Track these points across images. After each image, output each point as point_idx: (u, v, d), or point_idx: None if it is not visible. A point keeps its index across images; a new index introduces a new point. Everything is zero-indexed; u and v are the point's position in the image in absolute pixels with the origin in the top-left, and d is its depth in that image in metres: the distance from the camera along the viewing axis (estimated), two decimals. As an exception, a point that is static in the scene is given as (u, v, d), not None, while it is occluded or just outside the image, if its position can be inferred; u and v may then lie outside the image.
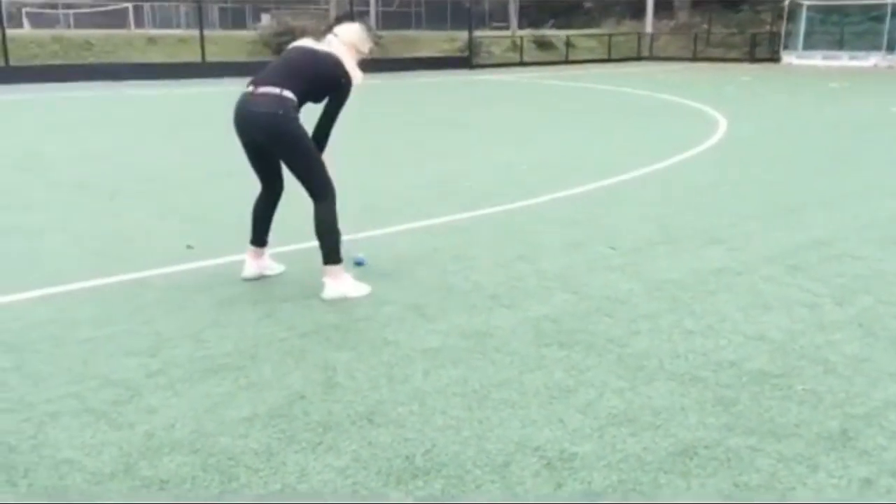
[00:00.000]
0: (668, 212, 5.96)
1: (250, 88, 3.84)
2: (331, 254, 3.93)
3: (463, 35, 28.24)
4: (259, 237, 4.24)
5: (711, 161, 8.45)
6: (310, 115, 3.93)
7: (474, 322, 3.66)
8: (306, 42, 4.05)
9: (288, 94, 3.77)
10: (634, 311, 3.82)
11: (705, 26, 33.65)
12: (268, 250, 4.33)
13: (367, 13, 32.75)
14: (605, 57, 31.44)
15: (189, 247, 4.89)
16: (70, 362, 3.17)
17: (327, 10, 31.39)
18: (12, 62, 18.93)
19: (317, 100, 3.94)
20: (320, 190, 3.92)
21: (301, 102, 3.86)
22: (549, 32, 33.51)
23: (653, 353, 3.29)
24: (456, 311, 3.80)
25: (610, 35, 33.12)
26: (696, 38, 32.48)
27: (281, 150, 3.88)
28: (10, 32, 19.91)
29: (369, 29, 4.20)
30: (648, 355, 3.28)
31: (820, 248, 4.94)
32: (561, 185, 6.83)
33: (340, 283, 3.94)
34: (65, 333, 3.48)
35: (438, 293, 4.07)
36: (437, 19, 36.62)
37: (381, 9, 36.70)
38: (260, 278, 4.27)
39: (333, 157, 4.07)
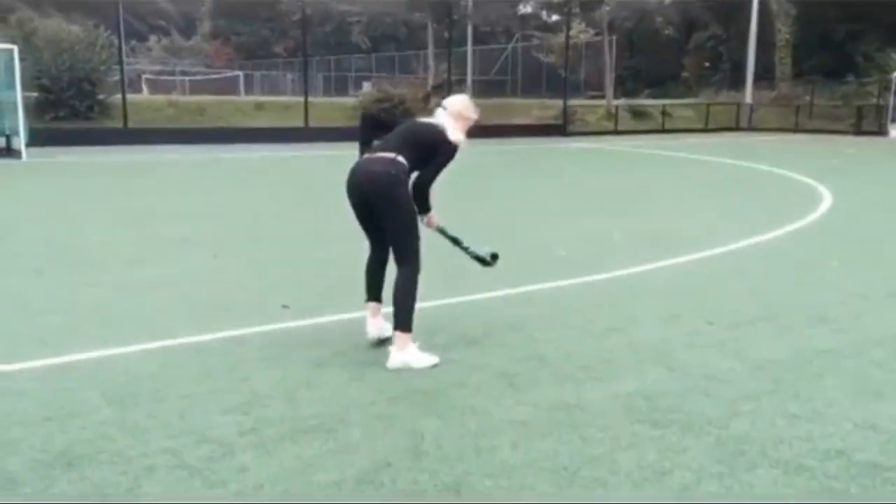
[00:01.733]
0: (771, 287, 5.75)
1: (365, 156, 4.13)
2: (405, 321, 3.96)
3: (557, 103, 28.45)
4: (374, 293, 4.30)
5: (816, 235, 8.14)
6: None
7: (565, 394, 3.59)
8: (419, 118, 4.43)
9: (401, 159, 4.01)
10: (734, 391, 3.66)
11: (808, 98, 32.87)
12: (382, 308, 4.31)
13: (463, 82, 33.52)
14: (703, 127, 31.04)
15: (285, 306, 5.01)
16: (169, 417, 3.27)
17: (425, 78, 32.32)
18: (130, 125, 20.17)
19: (424, 166, 4.13)
20: (408, 257, 4.02)
21: (411, 169, 4.07)
22: (644, 102, 33.46)
23: (754, 438, 3.14)
24: (546, 382, 3.74)
25: (708, 105, 32.75)
26: (798, 110, 31.73)
27: (386, 208, 4.00)
28: (129, 97, 21.25)
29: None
30: (749, 439, 3.12)
31: (937, 331, 4.66)
32: (656, 256, 6.71)
33: (406, 353, 3.93)
34: (166, 388, 3.59)
35: (529, 362, 4.02)
36: (532, 87, 37.14)
37: (477, 77, 37.48)
38: (379, 342, 4.21)
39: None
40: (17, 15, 31.40)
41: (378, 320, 4.28)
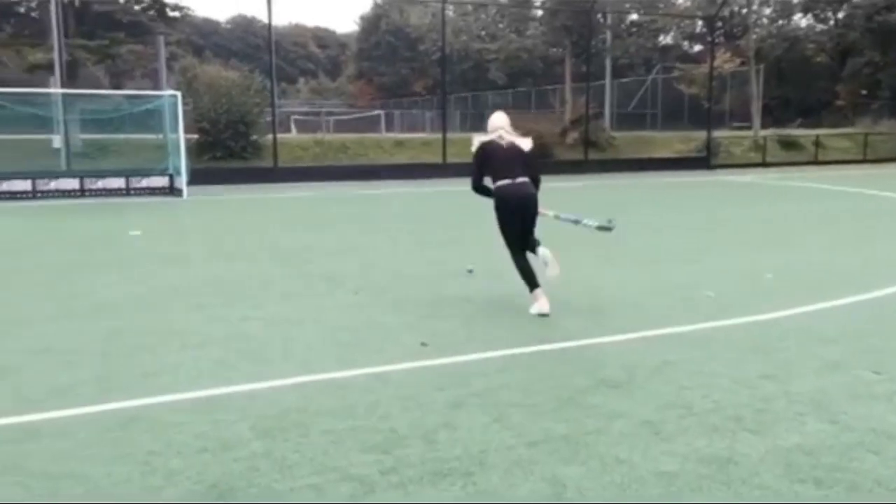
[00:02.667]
0: (945, 334, 5.25)
1: (507, 181, 5.85)
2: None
3: (700, 135, 27.59)
4: (537, 280, 5.81)
5: None
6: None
7: (716, 446, 3.40)
8: (504, 139, 5.97)
9: (530, 179, 5.94)
10: (907, 450, 3.35)
11: (982, 123, 30.24)
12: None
13: (601, 115, 33.16)
14: (861, 158, 29.17)
15: (423, 344, 5.05)
16: (313, 452, 3.35)
17: (562, 112, 32.23)
18: (280, 163, 21.25)
19: None
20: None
21: None
22: (795, 132, 31.81)
23: (933, 505, 2.84)
24: (694, 433, 3.56)
25: (866, 134, 30.76)
26: (971, 137, 29.24)
27: (534, 217, 5.96)
28: (279, 137, 22.42)
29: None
30: (928, 506, 2.83)
31: None
32: (813, 297, 6.29)
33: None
34: (310, 422, 3.69)
35: (674, 410, 3.84)
36: (672, 120, 36.21)
37: (616, 111, 37.00)
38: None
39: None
40: (182, 63, 34.04)
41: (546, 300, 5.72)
